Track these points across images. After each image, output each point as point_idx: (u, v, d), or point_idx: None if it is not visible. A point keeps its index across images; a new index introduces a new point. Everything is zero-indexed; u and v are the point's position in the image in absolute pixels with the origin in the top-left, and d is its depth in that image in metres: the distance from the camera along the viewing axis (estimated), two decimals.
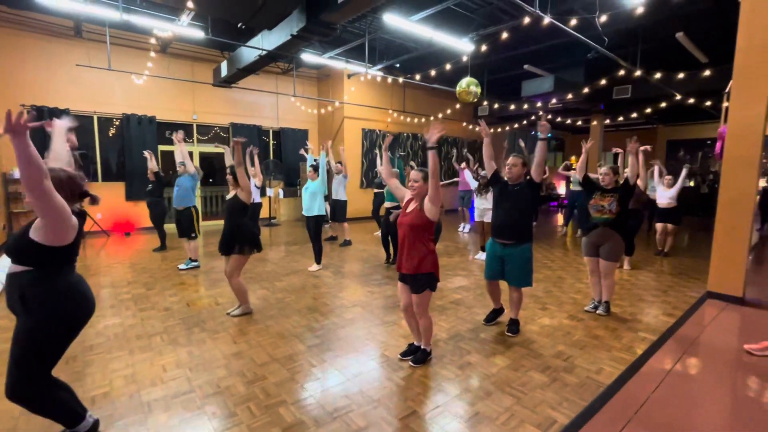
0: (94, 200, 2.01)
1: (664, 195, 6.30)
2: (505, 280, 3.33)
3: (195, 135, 9.23)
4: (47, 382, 1.79)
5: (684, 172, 6.23)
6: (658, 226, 6.52)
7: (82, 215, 1.86)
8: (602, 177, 3.75)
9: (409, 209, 2.70)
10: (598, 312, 3.82)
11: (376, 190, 7.91)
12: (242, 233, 3.57)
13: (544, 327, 3.48)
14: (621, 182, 3.70)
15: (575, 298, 4.26)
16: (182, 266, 5.30)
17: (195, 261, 5.37)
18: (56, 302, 1.72)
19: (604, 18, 5.46)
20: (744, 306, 4.00)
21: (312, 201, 5.20)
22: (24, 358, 1.71)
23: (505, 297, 3.55)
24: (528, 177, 3.27)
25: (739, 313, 3.85)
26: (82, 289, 1.85)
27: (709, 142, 13.97)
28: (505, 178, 3.34)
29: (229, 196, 3.66)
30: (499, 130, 14.52)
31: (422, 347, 2.84)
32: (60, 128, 2.16)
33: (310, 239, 5.40)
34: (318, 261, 5.37)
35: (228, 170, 3.68)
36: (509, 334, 3.32)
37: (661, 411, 2.25)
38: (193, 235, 5.37)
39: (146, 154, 6.22)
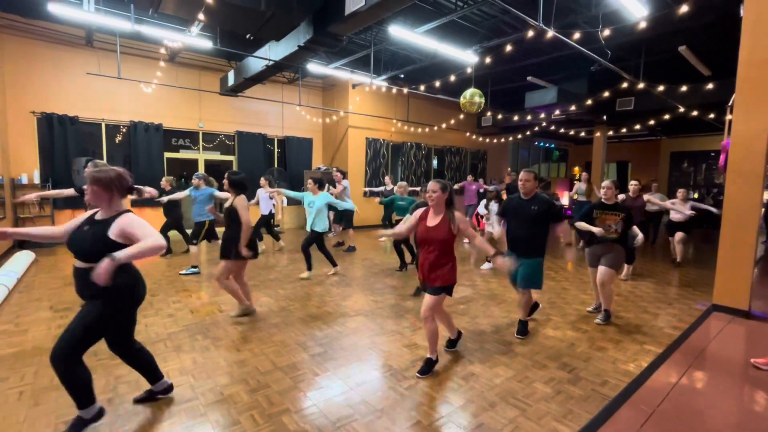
0: (140, 192, 2.46)
1: (678, 210, 6.28)
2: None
3: (201, 143, 9.33)
4: (81, 359, 2.03)
5: (705, 205, 6.23)
6: (675, 235, 6.42)
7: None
8: (605, 191, 3.80)
9: (432, 224, 2.73)
10: (596, 321, 3.84)
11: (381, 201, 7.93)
12: (237, 241, 3.61)
13: (548, 338, 3.46)
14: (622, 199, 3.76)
15: (579, 310, 4.24)
16: (183, 271, 5.47)
17: (195, 267, 5.47)
18: (132, 287, 2.13)
19: (607, 32, 5.53)
20: (750, 319, 3.97)
21: (317, 217, 5.18)
22: (84, 334, 1.98)
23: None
24: (539, 194, 3.33)
25: (745, 327, 3.82)
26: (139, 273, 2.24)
27: (713, 154, 13.97)
28: (521, 194, 3.38)
29: (227, 204, 3.73)
30: (502, 140, 14.60)
31: (427, 356, 2.84)
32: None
33: (307, 248, 5.34)
34: (333, 264, 5.55)
35: (228, 179, 3.73)
36: (517, 336, 3.40)
37: (667, 425, 2.22)
38: (194, 242, 5.49)
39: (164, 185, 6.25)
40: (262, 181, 6.79)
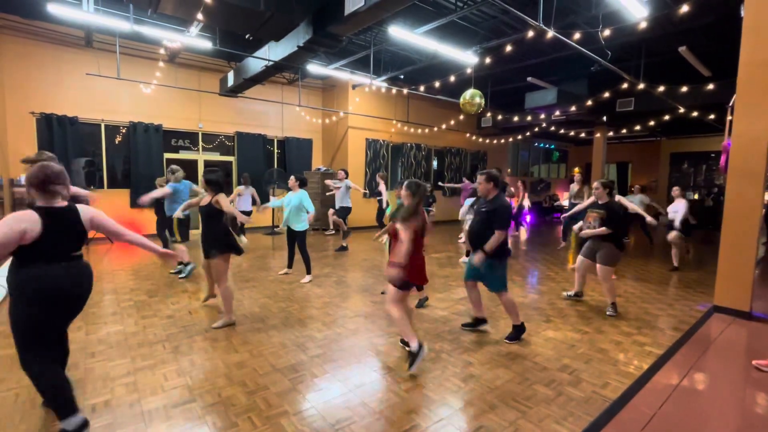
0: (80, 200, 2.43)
1: (672, 209, 6.30)
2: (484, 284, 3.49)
3: (200, 143, 9.32)
4: (41, 362, 1.97)
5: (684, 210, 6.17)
6: (671, 234, 6.37)
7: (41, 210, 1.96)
8: (594, 192, 4.16)
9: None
10: (607, 314, 4.09)
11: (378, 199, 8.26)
12: (220, 237, 3.62)
13: (548, 340, 3.44)
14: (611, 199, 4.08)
15: (580, 311, 4.22)
16: (172, 271, 5.50)
17: (181, 264, 5.34)
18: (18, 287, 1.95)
19: (607, 32, 5.52)
20: (751, 321, 3.95)
21: (294, 216, 5.17)
22: (15, 338, 1.98)
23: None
24: (498, 196, 3.38)
25: (747, 328, 3.80)
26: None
27: (713, 155, 13.96)
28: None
29: (204, 203, 3.69)
30: (503, 141, 14.59)
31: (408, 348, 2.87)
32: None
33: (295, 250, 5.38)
34: (308, 271, 5.26)
35: (204, 178, 3.71)
36: (506, 340, 3.38)
37: (669, 427, 2.21)
38: (172, 238, 5.62)
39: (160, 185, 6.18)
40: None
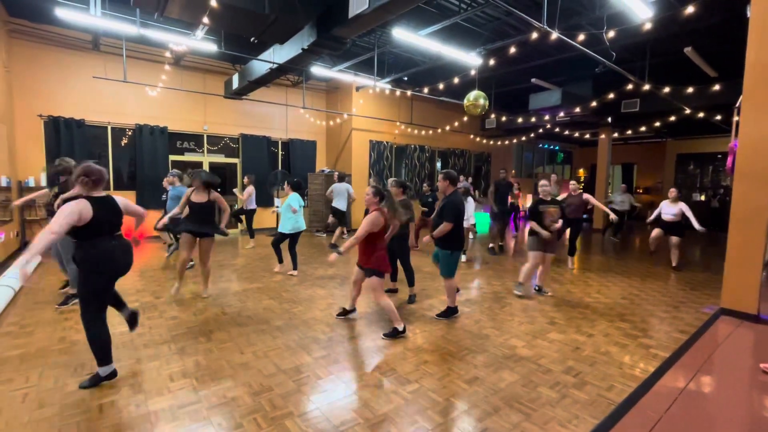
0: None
1: (669, 211, 6.39)
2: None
3: (205, 145, 9.38)
4: (97, 318, 2.57)
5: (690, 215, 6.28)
6: (656, 231, 6.58)
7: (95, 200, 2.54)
8: (541, 189, 4.66)
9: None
10: (547, 294, 4.74)
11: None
12: (213, 223, 4.43)
13: (553, 342, 3.43)
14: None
15: (585, 313, 4.20)
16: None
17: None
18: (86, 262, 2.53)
19: (612, 33, 5.50)
20: (759, 323, 3.91)
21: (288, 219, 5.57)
22: (80, 297, 2.60)
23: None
24: (454, 193, 3.92)
25: (754, 331, 3.77)
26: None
27: (719, 156, 13.83)
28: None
29: (202, 201, 4.37)
30: (506, 142, 14.55)
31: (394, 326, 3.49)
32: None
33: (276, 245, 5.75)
34: (294, 266, 5.71)
35: (201, 176, 4.45)
36: (436, 316, 3.98)
37: (675, 431, 2.19)
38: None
39: (167, 183, 6.52)
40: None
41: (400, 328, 3.45)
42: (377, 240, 3.47)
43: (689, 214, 6.20)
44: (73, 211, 2.37)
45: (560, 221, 4.57)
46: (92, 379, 2.55)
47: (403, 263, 4.54)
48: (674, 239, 6.33)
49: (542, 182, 4.73)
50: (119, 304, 2.97)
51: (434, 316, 3.99)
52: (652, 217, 6.66)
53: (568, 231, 6.58)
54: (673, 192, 6.37)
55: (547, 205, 4.59)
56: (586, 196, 6.51)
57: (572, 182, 6.70)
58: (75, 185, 2.60)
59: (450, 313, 3.99)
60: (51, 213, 3.80)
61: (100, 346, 2.55)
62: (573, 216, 6.43)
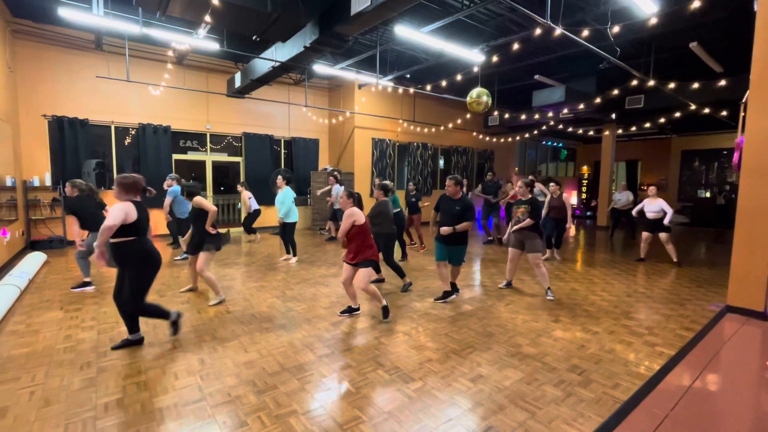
0: (149, 192, 3.97)
1: (650, 209, 6.45)
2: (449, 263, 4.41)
3: (208, 144, 9.40)
4: (144, 302, 3.13)
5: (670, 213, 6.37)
6: (645, 235, 6.67)
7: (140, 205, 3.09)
8: (519, 190, 4.75)
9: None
10: (547, 298, 4.53)
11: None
12: (210, 235, 4.17)
13: (557, 340, 3.42)
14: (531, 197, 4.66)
15: (589, 311, 4.18)
16: (177, 257, 6.31)
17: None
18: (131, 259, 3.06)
19: (616, 29, 5.45)
20: (765, 321, 3.88)
21: (284, 209, 6.18)
22: (132, 291, 3.05)
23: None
24: (465, 196, 4.24)
25: (761, 329, 3.73)
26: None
27: (725, 152, 13.72)
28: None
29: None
30: (510, 139, 14.49)
31: (383, 304, 3.86)
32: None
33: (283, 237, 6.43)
34: (294, 254, 6.44)
35: (186, 190, 4.41)
36: (436, 299, 4.41)
37: (681, 429, 2.17)
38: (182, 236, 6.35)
39: (166, 186, 6.74)
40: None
41: (384, 302, 3.86)
42: (366, 235, 3.82)
43: (667, 209, 6.33)
44: (123, 209, 2.89)
45: (527, 220, 4.59)
46: (121, 343, 3.14)
47: (388, 261, 4.81)
48: (663, 236, 6.40)
49: (519, 183, 4.84)
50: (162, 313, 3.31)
51: (434, 299, 4.44)
52: (635, 210, 6.85)
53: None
54: (652, 189, 6.52)
55: (519, 205, 4.73)
56: (565, 196, 6.81)
57: (552, 184, 6.90)
58: (121, 191, 3.04)
59: (449, 295, 4.43)
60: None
61: (157, 314, 3.18)
62: (555, 216, 6.80)
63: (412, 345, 3.26)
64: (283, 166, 10.55)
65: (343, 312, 3.98)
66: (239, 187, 8.10)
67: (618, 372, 2.85)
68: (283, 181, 6.27)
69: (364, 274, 3.73)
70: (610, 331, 3.64)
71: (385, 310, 3.84)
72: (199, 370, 2.79)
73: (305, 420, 2.23)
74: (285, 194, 6.16)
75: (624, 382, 2.71)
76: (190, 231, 4.38)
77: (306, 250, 7.54)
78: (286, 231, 6.30)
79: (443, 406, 2.39)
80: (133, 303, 3.02)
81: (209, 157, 9.42)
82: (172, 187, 6.34)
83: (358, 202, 3.91)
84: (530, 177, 8.87)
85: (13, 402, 2.38)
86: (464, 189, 5.03)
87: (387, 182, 4.93)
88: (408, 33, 5.66)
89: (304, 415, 2.28)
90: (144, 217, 3.06)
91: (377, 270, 4.96)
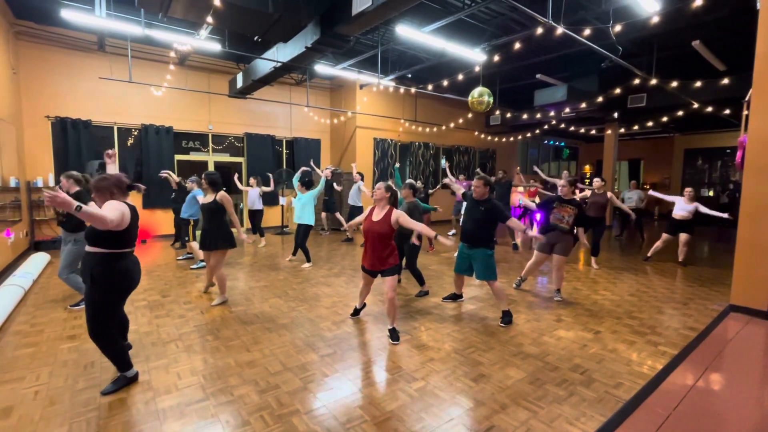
0: (138, 188, 3.02)
1: (684, 208, 6.30)
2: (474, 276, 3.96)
3: (210, 144, 9.42)
4: (109, 333, 2.48)
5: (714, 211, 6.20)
6: (665, 236, 6.50)
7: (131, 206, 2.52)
8: (560, 189, 4.46)
9: (376, 218, 3.30)
10: (555, 299, 4.48)
11: None
12: (222, 232, 4.09)
13: (560, 339, 3.41)
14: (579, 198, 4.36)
15: (591, 310, 4.17)
16: (193, 266, 5.92)
17: (202, 261, 5.88)
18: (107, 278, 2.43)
19: (618, 27, 5.43)
20: None
21: (302, 211, 5.99)
22: (90, 317, 2.42)
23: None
24: (491, 198, 3.86)
25: (764, 328, 3.72)
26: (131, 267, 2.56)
27: (728, 150, 13.65)
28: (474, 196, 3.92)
29: (206, 201, 4.19)
30: (511, 139, 14.47)
31: (393, 326, 3.40)
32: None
33: (296, 243, 6.15)
34: (308, 260, 6.12)
35: (204, 177, 4.25)
36: (501, 325, 3.69)
37: (684, 429, 2.17)
38: (186, 239, 6.31)
39: (163, 175, 7.01)
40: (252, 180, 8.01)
41: (395, 325, 3.44)
42: (394, 237, 3.40)
43: (706, 210, 6.17)
44: (120, 208, 2.33)
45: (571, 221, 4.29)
46: (116, 383, 2.53)
47: (413, 267, 4.62)
48: (684, 236, 6.31)
49: (560, 182, 4.52)
50: (125, 328, 2.95)
51: (499, 324, 3.70)
52: (675, 211, 6.37)
53: (581, 231, 6.58)
54: (689, 191, 6.34)
55: (563, 204, 4.35)
56: (609, 195, 6.23)
57: (597, 179, 6.40)
58: (112, 190, 2.46)
59: (509, 317, 3.74)
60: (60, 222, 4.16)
61: (117, 357, 2.52)
62: (594, 215, 6.23)
63: (414, 344, 3.26)
64: (285, 167, 10.57)
65: (352, 315, 3.89)
66: (251, 180, 7.91)
67: (620, 371, 2.84)
68: (302, 186, 6.13)
69: (393, 281, 3.33)
70: (612, 330, 3.63)
71: (393, 332, 3.37)
72: (202, 369, 2.80)
73: (308, 419, 2.24)
74: (307, 198, 5.98)
75: (626, 381, 2.70)
76: (199, 232, 4.38)
77: (309, 249, 7.54)
78: (300, 234, 6.07)
79: (445, 406, 2.39)
80: (91, 330, 2.39)
81: (211, 158, 9.44)
82: (194, 190, 6.06)
83: (394, 200, 3.39)
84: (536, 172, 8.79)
85: (18, 401, 2.39)
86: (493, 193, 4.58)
87: (413, 181, 4.59)
88: (409, 33, 5.66)
89: (307, 414, 2.29)
90: (135, 225, 2.52)
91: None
